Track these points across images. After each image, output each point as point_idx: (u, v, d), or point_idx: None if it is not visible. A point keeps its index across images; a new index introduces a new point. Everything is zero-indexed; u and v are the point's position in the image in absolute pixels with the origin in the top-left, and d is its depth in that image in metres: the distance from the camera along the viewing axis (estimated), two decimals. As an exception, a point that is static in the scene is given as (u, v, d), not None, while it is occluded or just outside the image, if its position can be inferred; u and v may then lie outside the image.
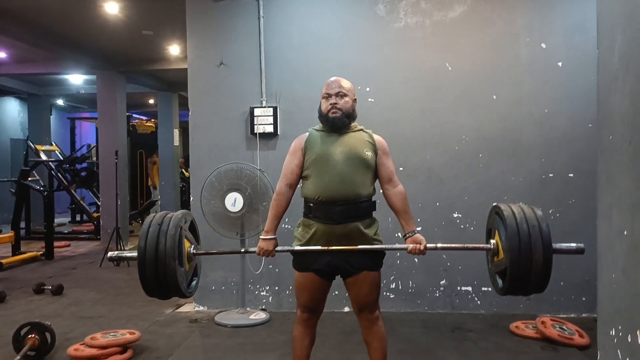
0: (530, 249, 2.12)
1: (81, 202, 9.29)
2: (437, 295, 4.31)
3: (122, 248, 6.59)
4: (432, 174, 4.30)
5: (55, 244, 7.34)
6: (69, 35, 6.56)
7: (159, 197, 9.96)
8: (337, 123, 2.50)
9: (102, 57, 7.53)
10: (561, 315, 4.05)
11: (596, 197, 1.24)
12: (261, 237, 2.53)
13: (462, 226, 4.28)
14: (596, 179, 1.23)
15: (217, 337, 3.75)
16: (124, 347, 3.41)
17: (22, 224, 7.80)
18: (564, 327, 3.61)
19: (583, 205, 4.08)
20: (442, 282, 4.31)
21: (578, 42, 4.11)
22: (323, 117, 2.54)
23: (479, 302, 4.26)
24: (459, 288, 4.29)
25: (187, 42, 4.54)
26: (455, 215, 4.29)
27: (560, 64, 4.15)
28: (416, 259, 4.27)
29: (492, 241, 2.39)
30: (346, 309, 4.29)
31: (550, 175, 4.18)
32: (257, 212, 4.09)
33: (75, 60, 7.33)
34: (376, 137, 2.60)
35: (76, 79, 9.67)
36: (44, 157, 8.77)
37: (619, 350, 1.15)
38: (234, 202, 4.03)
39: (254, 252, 2.55)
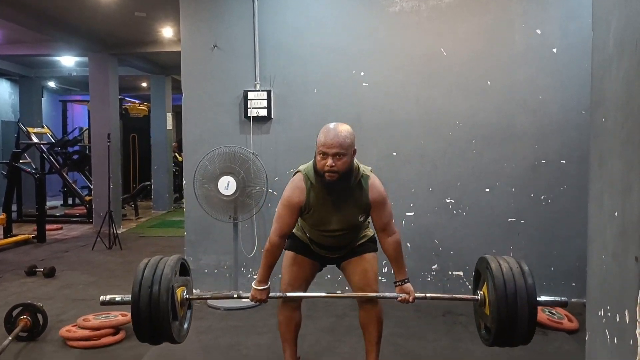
0: (516, 310, 2.22)
1: (73, 185, 9.24)
2: (429, 279, 4.34)
3: (115, 231, 6.57)
4: (425, 159, 4.31)
5: (48, 227, 7.31)
6: (60, 17, 6.47)
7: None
8: (333, 186, 2.39)
9: (94, 39, 7.44)
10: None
11: (588, 182, 1.25)
12: (254, 286, 2.51)
13: (454, 211, 4.30)
14: (588, 164, 1.23)
15: (210, 319, 3.77)
16: (116, 329, 3.43)
17: (14, 207, 7.76)
18: (554, 311, 3.65)
19: (575, 192, 4.11)
20: (433, 267, 4.34)
21: (573, 29, 4.11)
22: (319, 175, 2.38)
23: (470, 286, 4.30)
24: (450, 273, 4.33)
25: (180, 25, 4.50)
26: (447, 201, 4.31)
27: (555, 50, 4.15)
28: (409, 244, 4.29)
29: (480, 292, 2.46)
30: (338, 292, 4.31)
31: (543, 161, 4.20)
32: (250, 196, 4.09)
33: (67, 42, 7.23)
34: (372, 190, 2.46)
35: (68, 61, 9.56)
36: (35, 139, 8.70)
37: (606, 330, 1.17)
38: (227, 185, 4.02)
39: (247, 297, 2.54)
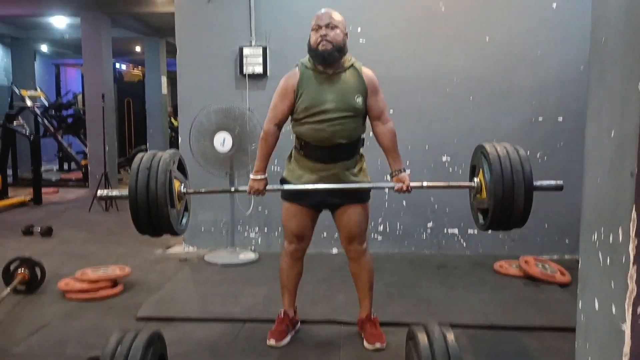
0: (512, 187, 2.21)
1: (68, 148, 9.19)
2: (424, 237, 4.37)
3: (111, 193, 6.56)
4: (422, 115, 4.28)
5: (44, 190, 7.29)
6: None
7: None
8: (327, 57, 2.41)
9: (87, -3, 7.29)
10: (544, 257, 4.14)
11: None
12: (251, 176, 2.52)
13: (450, 169, 4.30)
14: (580, 115, 1.22)
15: (207, 273, 3.81)
16: (114, 282, 3.46)
17: (10, 172, 7.73)
18: (547, 265, 3.70)
19: (571, 149, 4.11)
20: (429, 225, 4.37)
21: (574, -17, 4.04)
22: (312, 50, 2.43)
23: (464, 244, 4.34)
24: (445, 230, 4.36)
25: (174, -22, 4.40)
26: (444, 159, 4.30)
27: (554, 5, 4.09)
28: (404, 201, 4.31)
29: (476, 179, 2.45)
30: (334, 251, 4.35)
31: (540, 118, 4.18)
32: (246, 152, 4.08)
33: (59, 0, 7.09)
34: (365, 73, 2.53)
35: (60, 22, 9.37)
36: (29, 102, 8.60)
37: (600, 252, 1.17)
38: (223, 141, 4.01)
39: (244, 191, 2.55)
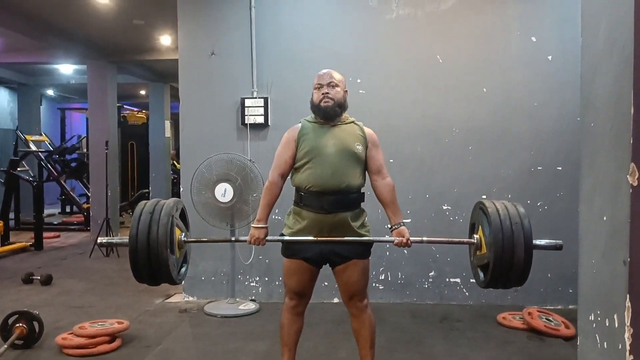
0: (512, 245, 2.22)
1: (71, 192, 9.23)
2: (426, 286, 4.34)
3: (112, 239, 6.55)
4: (422, 165, 4.31)
5: (45, 234, 7.30)
6: (59, 24, 6.50)
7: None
8: (329, 112, 2.53)
9: (93, 46, 7.46)
10: (548, 307, 4.09)
11: (579, 184, 1.25)
12: (252, 225, 2.55)
13: (451, 218, 4.30)
14: (579, 165, 1.24)
15: (207, 326, 3.76)
16: (112, 337, 3.42)
17: (12, 216, 7.75)
18: (550, 318, 3.65)
19: (571, 198, 4.11)
20: (430, 274, 4.34)
21: (568, 36, 4.13)
22: (315, 106, 2.56)
23: (467, 293, 4.30)
24: (447, 279, 4.32)
25: (178, 32, 4.52)
26: (444, 207, 4.31)
27: (550, 57, 4.17)
28: (405, 251, 4.29)
29: (476, 236, 2.46)
30: (335, 300, 4.31)
31: (539, 167, 4.21)
32: (247, 203, 4.09)
33: (66, 49, 7.26)
34: (367, 130, 2.63)
35: (66, 69, 9.58)
36: (33, 147, 8.70)
37: (597, 335, 1.17)
38: (224, 192, 4.03)
39: (245, 240, 2.56)
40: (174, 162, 11.03)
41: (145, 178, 10.53)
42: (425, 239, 2.63)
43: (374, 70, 4.33)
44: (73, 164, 9.25)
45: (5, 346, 3.16)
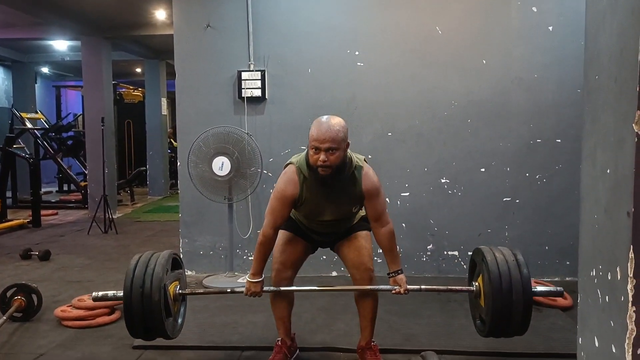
0: (511, 300, 2.25)
1: (68, 170, 9.20)
2: (424, 259, 4.35)
3: (110, 216, 6.55)
4: (420, 139, 4.29)
5: (43, 212, 7.29)
6: (52, -1, 6.40)
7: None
8: (326, 180, 2.37)
9: (87, 22, 7.36)
10: (545, 279, 4.11)
11: (581, 139, 1.24)
12: (248, 279, 2.52)
13: (449, 192, 4.30)
14: (582, 122, 1.22)
15: (205, 299, 3.76)
16: (111, 309, 3.43)
17: (9, 194, 7.73)
18: (548, 289, 3.66)
19: (570, 171, 4.11)
20: (429, 247, 4.35)
21: (569, 6, 4.08)
22: (312, 170, 2.37)
23: (465, 266, 4.31)
24: (445, 252, 4.34)
25: (172, 4, 4.44)
26: (443, 181, 4.30)
27: (551, 28, 4.12)
28: (404, 224, 4.29)
29: (475, 284, 2.48)
30: (334, 274, 4.33)
31: (538, 140, 4.19)
32: (244, 176, 4.08)
33: (60, 25, 7.16)
34: (365, 181, 2.43)
35: (61, 45, 9.47)
36: (29, 125, 8.64)
37: (598, 290, 1.16)
38: (222, 166, 4.01)
39: (241, 292, 2.55)
40: (171, 140, 10.99)
41: (142, 156, 10.50)
42: (423, 287, 2.60)
43: (372, 42, 4.28)
44: (69, 142, 9.21)
45: (4, 318, 3.16)
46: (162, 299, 2.26)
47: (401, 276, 2.51)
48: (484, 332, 2.42)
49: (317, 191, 2.43)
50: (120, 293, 2.31)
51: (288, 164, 2.50)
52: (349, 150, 2.41)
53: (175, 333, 2.42)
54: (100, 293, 2.47)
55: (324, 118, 2.34)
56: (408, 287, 2.49)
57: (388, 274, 2.54)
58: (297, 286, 2.68)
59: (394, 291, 2.50)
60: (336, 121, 2.32)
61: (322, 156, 2.28)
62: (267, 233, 2.46)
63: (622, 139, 1.01)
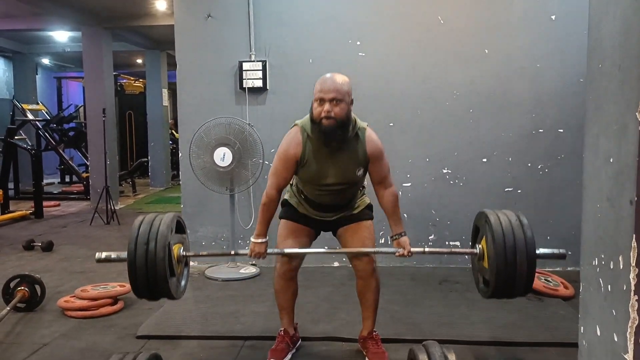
0: (515, 263, 2.22)
1: (70, 161, 9.21)
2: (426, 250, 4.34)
3: (113, 207, 6.57)
4: (422, 128, 4.28)
5: (45, 203, 7.31)
6: (52, -11, 6.37)
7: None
8: (329, 134, 2.33)
9: (87, 12, 7.32)
10: (547, 269, 4.11)
11: (584, 127, 1.23)
12: (252, 239, 2.51)
13: (451, 182, 4.29)
14: (584, 110, 1.22)
15: (208, 290, 3.79)
16: (114, 299, 3.44)
17: (11, 186, 7.74)
18: (549, 279, 3.68)
19: (572, 161, 4.10)
20: (430, 237, 4.35)
21: (572, -5, 4.05)
22: (315, 124, 2.34)
23: (466, 256, 4.31)
24: (447, 243, 4.33)
25: (173, -6, 4.42)
26: (445, 171, 4.29)
27: (553, 17, 4.09)
28: (405, 215, 4.28)
29: (478, 246, 2.46)
30: (335, 264, 4.34)
31: (540, 130, 4.18)
32: (246, 167, 4.08)
33: (60, 15, 7.13)
34: (369, 142, 2.43)
35: (61, 36, 9.44)
36: (30, 116, 8.64)
37: (600, 279, 1.16)
38: (223, 156, 4.00)
39: (245, 254, 2.54)
40: (173, 131, 10.98)
41: (143, 147, 10.50)
42: (426, 249, 2.61)
43: (373, 32, 4.26)
44: (71, 133, 9.20)
45: (8, 309, 3.18)
46: (167, 257, 2.23)
47: (405, 238, 2.51)
48: (488, 293, 2.39)
49: (321, 151, 2.41)
50: (124, 254, 2.29)
51: (293, 126, 2.50)
52: (353, 114, 2.40)
53: (178, 294, 2.40)
54: (104, 254, 2.45)
55: (329, 74, 2.35)
56: (412, 249, 2.48)
57: (391, 236, 2.54)
58: (298, 280, 2.69)
59: (397, 254, 2.49)
60: (341, 76, 2.34)
61: (326, 106, 2.28)
62: (270, 194, 2.45)
63: (625, 127, 1.00)
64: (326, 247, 4.19)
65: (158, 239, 2.23)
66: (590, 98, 1.17)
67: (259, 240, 2.49)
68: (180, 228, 2.50)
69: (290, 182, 2.63)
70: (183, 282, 2.49)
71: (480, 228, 2.45)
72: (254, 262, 4.43)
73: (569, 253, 4.21)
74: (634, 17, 0.99)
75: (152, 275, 2.22)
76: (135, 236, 2.25)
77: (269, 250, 2.51)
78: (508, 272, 2.22)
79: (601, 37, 1.12)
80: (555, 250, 2.41)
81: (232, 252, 2.75)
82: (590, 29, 1.19)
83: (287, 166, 2.44)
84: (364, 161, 2.45)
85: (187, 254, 2.48)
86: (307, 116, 2.42)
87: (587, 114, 1.18)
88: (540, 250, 2.32)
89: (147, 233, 2.25)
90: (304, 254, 2.64)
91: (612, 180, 1.06)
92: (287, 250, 2.54)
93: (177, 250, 2.39)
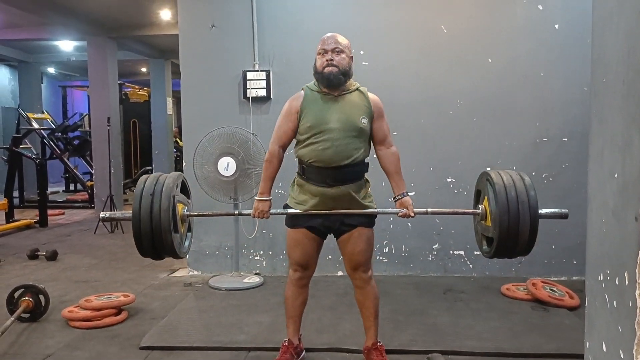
0: (518, 218, 2.21)
1: (74, 170, 9.24)
2: (430, 259, 4.34)
3: (117, 215, 6.57)
4: (426, 137, 4.28)
5: (50, 212, 7.33)
6: (57, -1, 6.42)
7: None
8: (332, 80, 2.42)
9: (92, 22, 7.38)
10: (552, 278, 4.09)
11: (588, 141, 1.23)
12: (256, 198, 2.53)
13: (455, 190, 4.28)
14: (589, 123, 1.21)
15: (212, 299, 3.78)
16: (118, 309, 3.44)
17: (16, 194, 7.77)
18: (554, 288, 3.65)
19: (577, 169, 4.09)
20: (434, 246, 4.34)
21: (575, 4, 4.06)
22: (318, 73, 2.45)
23: (471, 265, 4.30)
24: (451, 252, 4.32)
25: (177, 4, 4.45)
26: (448, 180, 4.29)
27: (556, 26, 4.10)
28: (409, 224, 4.28)
29: (480, 206, 2.45)
30: (339, 273, 4.32)
31: (544, 139, 4.17)
32: (250, 177, 4.08)
33: (65, 25, 7.18)
34: (371, 97, 2.55)
35: (67, 46, 9.51)
36: (35, 125, 8.68)
37: (606, 294, 1.15)
38: (227, 166, 4.01)
39: (249, 214, 2.55)
40: (177, 139, 11.01)
41: (148, 155, 10.53)
42: (429, 210, 2.60)
43: (377, 41, 4.27)
44: (76, 142, 9.24)
45: (12, 319, 3.18)
46: (171, 208, 2.23)
47: (407, 198, 2.52)
48: (490, 252, 2.38)
49: (324, 99, 2.48)
50: (129, 214, 2.30)
51: None
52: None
53: (182, 252, 2.40)
54: (108, 213, 2.49)
55: (329, 33, 2.52)
56: (415, 209, 2.50)
57: (394, 197, 2.55)
58: (308, 289, 2.69)
59: (400, 214, 2.50)
60: (341, 35, 2.51)
61: (328, 55, 2.42)
62: (273, 150, 2.52)
63: (629, 142, 1.00)
64: (329, 257, 4.21)
65: (163, 191, 2.25)
66: (594, 111, 1.16)
67: (263, 198, 2.52)
68: (184, 189, 2.49)
69: (294, 180, 2.61)
70: (186, 243, 2.48)
71: (482, 189, 2.44)
72: (257, 271, 4.43)
73: (574, 262, 4.24)
74: (637, 30, 0.98)
75: (157, 228, 2.21)
76: (141, 189, 2.26)
77: (272, 211, 2.54)
78: (511, 228, 2.21)
79: (605, 51, 1.11)
80: (557, 211, 2.38)
81: (236, 212, 2.80)
82: (593, 41, 1.19)
83: (289, 118, 2.51)
84: (368, 111, 2.50)
85: (191, 213, 2.48)
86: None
87: (591, 128, 1.17)
88: (543, 210, 2.29)
89: (152, 185, 2.26)
90: (309, 214, 2.51)
91: (617, 195, 1.05)
92: (291, 211, 2.53)
93: (181, 209, 2.39)
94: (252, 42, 4.32)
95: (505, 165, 4.19)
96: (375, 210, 2.59)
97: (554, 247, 4.20)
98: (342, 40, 2.49)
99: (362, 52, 4.25)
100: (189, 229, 2.53)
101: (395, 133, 4.26)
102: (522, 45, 4.15)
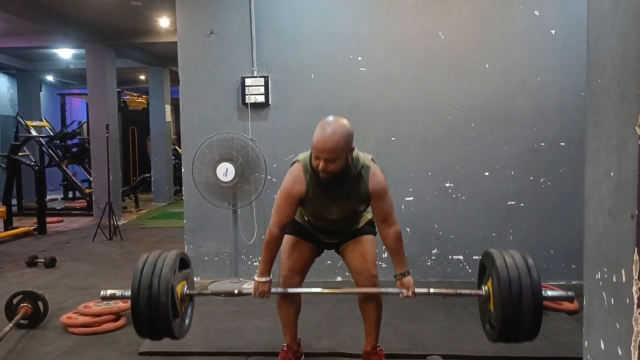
0: (520, 307, 2.18)
1: (73, 177, 9.24)
2: (429, 264, 4.34)
3: (115, 223, 6.58)
4: (424, 143, 4.29)
5: (48, 219, 7.32)
6: (56, 7, 6.44)
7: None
8: (329, 181, 2.35)
9: (91, 29, 7.41)
10: (551, 283, 4.10)
11: (584, 142, 1.24)
12: (256, 278, 2.49)
13: (453, 195, 4.29)
14: (585, 125, 1.23)
15: (210, 305, 3.77)
16: (117, 315, 3.43)
17: (15, 202, 7.77)
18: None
19: (574, 174, 4.10)
20: (433, 251, 4.34)
21: (572, 10, 4.09)
22: (315, 170, 2.35)
23: (470, 270, 4.30)
24: (450, 257, 4.33)
25: (176, 11, 4.47)
26: (447, 185, 4.30)
27: (553, 32, 4.13)
28: (408, 229, 4.29)
29: (485, 287, 2.42)
30: (339, 279, 4.33)
31: (542, 144, 4.19)
32: (248, 182, 4.09)
33: (64, 33, 7.21)
34: (372, 181, 2.40)
35: (65, 54, 9.54)
36: (34, 133, 8.69)
37: (604, 293, 1.16)
38: (226, 172, 4.02)
39: (249, 293, 2.52)
40: (175, 146, 11.02)
41: (147, 163, 10.54)
42: (431, 290, 2.52)
43: (375, 47, 4.29)
44: (74, 149, 9.25)
45: (11, 325, 3.18)
46: (170, 300, 2.24)
47: (408, 278, 2.47)
48: (493, 337, 2.38)
49: (324, 190, 2.40)
50: (128, 292, 2.29)
51: (295, 162, 2.47)
52: (356, 150, 2.38)
53: (182, 334, 2.41)
54: (109, 292, 2.45)
55: (329, 121, 2.26)
56: (416, 290, 2.44)
57: (395, 276, 2.49)
58: (302, 295, 2.68)
59: (401, 295, 2.45)
60: (339, 128, 2.24)
61: (321, 164, 2.27)
62: (274, 232, 2.44)
63: (625, 142, 1.01)
64: (328, 262, 4.21)
65: (161, 283, 2.23)
66: (590, 113, 1.18)
67: (263, 279, 2.46)
68: (184, 264, 2.49)
69: None
70: (187, 321, 2.49)
71: (487, 269, 2.41)
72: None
73: (573, 266, 4.25)
74: (631, 32, 1.00)
75: (156, 319, 2.24)
76: (139, 279, 2.26)
77: (272, 290, 2.50)
78: (513, 317, 2.19)
79: (600, 53, 1.13)
80: (563, 293, 2.39)
81: (236, 292, 2.69)
82: (588, 44, 1.20)
83: (290, 204, 2.42)
84: (366, 198, 2.43)
85: (191, 292, 2.48)
86: (309, 152, 2.39)
87: (587, 129, 1.19)
88: (548, 293, 2.29)
89: (150, 275, 2.26)
90: (306, 293, 2.68)
91: (613, 194, 1.06)
92: (290, 290, 2.54)
93: (181, 288, 2.40)
94: (250, 48, 4.34)
95: (503, 170, 4.22)
96: (380, 290, 2.56)
97: (553, 251, 4.21)
98: (337, 144, 2.23)
99: (360, 59, 4.28)
100: (191, 300, 2.54)
101: (393, 139, 4.30)
102: (519, 51, 4.17)
